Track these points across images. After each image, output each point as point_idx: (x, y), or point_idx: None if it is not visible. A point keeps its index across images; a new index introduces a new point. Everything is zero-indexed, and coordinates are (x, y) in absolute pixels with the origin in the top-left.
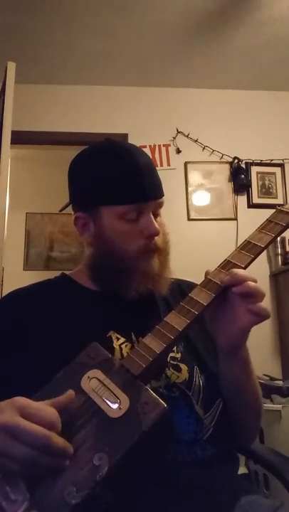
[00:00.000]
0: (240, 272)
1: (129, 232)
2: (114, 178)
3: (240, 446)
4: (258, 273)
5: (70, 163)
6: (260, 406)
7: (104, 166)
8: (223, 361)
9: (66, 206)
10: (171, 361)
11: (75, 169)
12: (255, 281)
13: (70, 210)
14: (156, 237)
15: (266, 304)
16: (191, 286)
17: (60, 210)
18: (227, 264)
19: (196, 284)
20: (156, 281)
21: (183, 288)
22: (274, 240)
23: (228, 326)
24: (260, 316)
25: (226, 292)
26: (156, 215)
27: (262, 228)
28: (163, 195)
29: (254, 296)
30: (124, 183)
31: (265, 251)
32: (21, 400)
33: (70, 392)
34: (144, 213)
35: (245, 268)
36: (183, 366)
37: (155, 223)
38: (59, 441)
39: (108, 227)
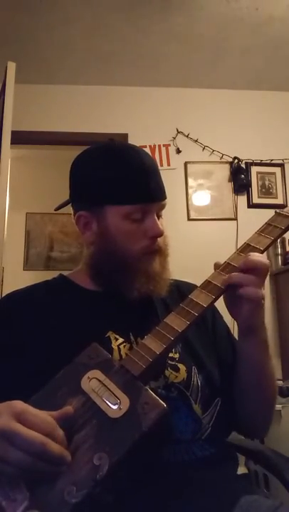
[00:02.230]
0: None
1: (133, 232)
2: (121, 177)
3: (254, 436)
4: None
5: (73, 161)
6: (274, 390)
7: (112, 165)
8: (243, 341)
9: (64, 205)
10: (170, 361)
11: (79, 167)
12: (242, 270)
13: (68, 209)
14: (158, 238)
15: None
16: (189, 287)
17: (56, 209)
18: (226, 267)
19: (195, 285)
20: (156, 282)
21: (181, 289)
22: (273, 243)
23: (239, 309)
24: (252, 300)
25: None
26: (158, 217)
27: (261, 231)
28: (166, 198)
29: (239, 284)
30: (131, 183)
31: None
32: (19, 405)
33: (68, 409)
34: (149, 214)
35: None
36: (181, 366)
37: (159, 224)
38: (55, 448)
39: (112, 226)
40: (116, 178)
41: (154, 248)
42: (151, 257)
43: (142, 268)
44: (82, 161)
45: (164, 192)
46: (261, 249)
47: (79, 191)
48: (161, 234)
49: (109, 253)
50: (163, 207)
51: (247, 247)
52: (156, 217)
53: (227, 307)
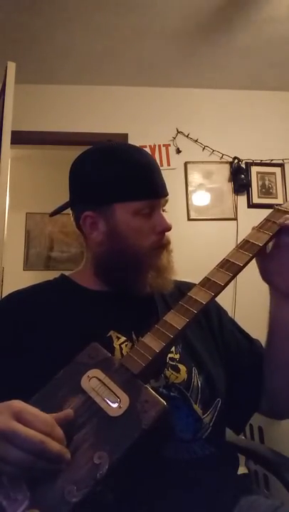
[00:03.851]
0: None
1: (142, 228)
2: (128, 174)
3: (286, 415)
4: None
5: (73, 164)
6: None
7: (117, 163)
8: (279, 307)
9: (61, 209)
10: (170, 362)
11: (81, 169)
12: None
13: (68, 209)
14: (165, 233)
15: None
16: (190, 287)
17: (52, 214)
18: (225, 264)
19: (195, 285)
20: (164, 276)
21: (182, 288)
22: (272, 238)
23: (281, 269)
24: None
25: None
26: (163, 212)
27: (260, 227)
28: (168, 194)
29: None
30: (139, 179)
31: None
32: (18, 405)
33: (69, 412)
34: (156, 210)
35: (243, 267)
36: (181, 367)
37: (167, 219)
38: (55, 446)
39: (122, 223)
40: (123, 176)
41: (163, 243)
42: (160, 252)
43: (152, 263)
44: (84, 163)
45: (166, 188)
46: (260, 245)
47: (83, 192)
48: (170, 228)
49: (120, 251)
50: (166, 202)
51: (246, 244)
52: (162, 213)
53: (263, 273)
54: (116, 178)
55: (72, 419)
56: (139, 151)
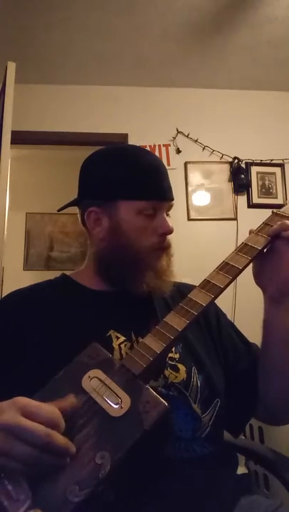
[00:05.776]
0: (287, 221)
1: (144, 228)
2: (136, 174)
3: (281, 421)
4: None
5: (86, 160)
6: None
7: (127, 163)
8: (273, 310)
9: (69, 205)
10: (170, 361)
11: (92, 165)
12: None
13: (68, 209)
14: (167, 236)
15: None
16: (189, 288)
17: (60, 209)
18: (225, 266)
19: (195, 286)
20: (162, 279)
21: (181, 289)
22: (270, 242)
23: (275, 274)
24: None
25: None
26: (167, 215)
27: (258, 231)
28: (174, 199)
29: None
30: (146, 180)
31: None
32: (22, 400)
33: (72, 400)
34: (160, 212)
35: (243, 269)
36: (181, 366)
37: (169, 222)
38: (60, 439)
39: (125, 221)
40: (130, 174)
41: (163, 245)
42: (159, 254)
43: (151, 263)
44: (96, 160)
45: (173, 193)
46: (259, 248)
47: (91, 188)
48: (171, 231)
49: (120, 247)
50: (171, 207)
51: (245, 247)
52: (165, 215)
53: (257, 277)
54: (123, 176)
55: (77, 407)
56: (149, 153)
